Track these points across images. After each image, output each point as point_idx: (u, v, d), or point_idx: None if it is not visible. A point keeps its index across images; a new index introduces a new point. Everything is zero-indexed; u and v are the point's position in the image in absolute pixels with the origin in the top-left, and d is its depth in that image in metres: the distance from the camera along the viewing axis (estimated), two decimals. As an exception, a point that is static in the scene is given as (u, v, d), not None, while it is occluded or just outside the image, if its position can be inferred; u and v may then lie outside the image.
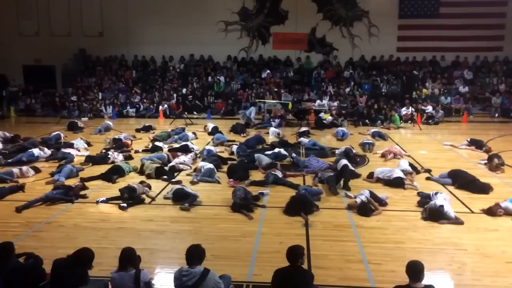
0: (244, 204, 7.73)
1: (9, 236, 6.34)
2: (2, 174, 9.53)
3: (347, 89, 20.59)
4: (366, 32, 22.18)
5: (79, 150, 12.08)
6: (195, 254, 4.56)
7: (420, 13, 21.89)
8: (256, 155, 10.91)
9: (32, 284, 4.62)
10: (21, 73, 22.94)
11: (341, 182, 9.06)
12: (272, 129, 15.18)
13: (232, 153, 12.02)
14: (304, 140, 13.49)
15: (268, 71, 21.82)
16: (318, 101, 18.88)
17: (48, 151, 11.61)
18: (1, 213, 7.64)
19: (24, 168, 9.96)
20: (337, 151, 11.91)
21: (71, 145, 12.40)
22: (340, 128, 15.26)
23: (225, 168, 10.36)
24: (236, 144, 12.68)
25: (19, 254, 5.15)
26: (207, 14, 21.83)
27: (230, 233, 6.82)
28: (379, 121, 17.31)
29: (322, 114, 17.34)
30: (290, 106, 18.28)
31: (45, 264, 5.03)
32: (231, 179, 9.45)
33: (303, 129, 15.31)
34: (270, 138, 14.31)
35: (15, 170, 9.78)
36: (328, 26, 22.19)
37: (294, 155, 11.18)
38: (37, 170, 10.12)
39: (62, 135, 13.85)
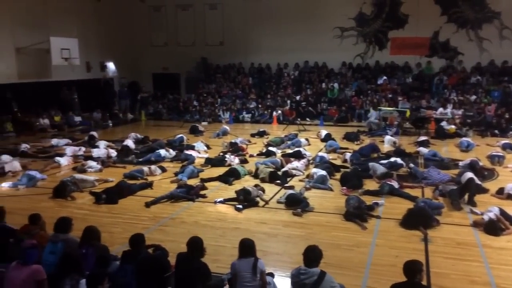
0: (357, 213, 7.55)
1: (139, 228, 6.96)
2: (134, 172, 10.55)
3: (473, 97, 18.97)
4: (496, 35, 20.21)
5: (199, 152, 12.85)
6: (313, 255, 4.61)
7: None
8: (370, 163, 10.61)
9: (158, 274, 5.03)
10: (151, 80, 25.22)
11: (466, 197, 8.40)
12: (387, 138, 14.61)
13: (345, 160, 11.84)
14: (423, 150, 12.75)
15: (385, 77, 21.02)
16: (440, 109, 17.67)
17: (173, 152, 12.58)
18: (132, 207, 8.45)
19: (153, 167, 10.90)
20: (461, 163, 11.05)
21: (192, 147, 13.28)
22: (464, 139, 14.15)
23: (337, 175, 10.25)
24: (350, 152, 12.44)
25: (148, 245, 5.62)
26: (323, 21, 21.78)
27: (343, 242, 6.71)
28: (511, 132, 15.69)
29: (444, 123, 16.24)
30: (408, 114, 17.42)
31: (169, 256, 5.43)
32: (344, 187, 9.30)
33: (422, 138, 14.49)
34: (386, 147, 13.80)
35: (145, 168, 10.74)
36: (453, 29, 20.69)
37: (412, 165, 10.62)
38: (163, 169, 11.00)
39: (185, 137, 14.88)
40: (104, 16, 22.35)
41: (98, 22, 21.97)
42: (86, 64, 21.35)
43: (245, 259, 4.77)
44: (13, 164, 11.15)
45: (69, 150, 13.00)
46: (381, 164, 10.59)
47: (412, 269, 4.40)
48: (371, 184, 9.66)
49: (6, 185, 9.87)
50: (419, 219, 7.15)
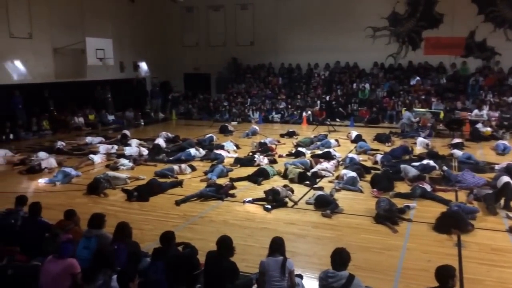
0: (388, 216, 7.42)
1: (169, 226, 7.08)
2: (165, 170, 10.70)
3: (510, 98, 18.33)
4: (536, 35, 19.54)
5: (229, 152, 12.91)
6: (341, 258, 4.56)
7: None
8: (402, 165, 10.40)
9: (188, 271, 5.09)
10: (182, 80, 25.55)
11: (501, 201, 8.13)
12: (420, 139, 14.30)
13: (376, 162, 11.66)
14: (457, 152, 12.42)
15: (418, 77, 20.59)
16: (475, 111, 17.18)
17: (202, 151, 12.70)
18: (163, 205, 8.57)
19: (183, 165, 11.03)
20: (497, 167, 10.73)
21: (222, 147, 13.34)
22: (501, 141, 13.69)
23: (368, 177, 10.09)
24: (381, 154, 12.26)
25: (178, 243, 5.69)
26: (354, 21, 21.52)
27: (373, 245, 6.61)
28: (551, 135, 15.12)
29: (480, 125, 15.77)
30: (441, 115, 17.01)
31: (198, 254, 5.48)
32: (375, 189, 9.16)
33: (456, 140, 14.12)
34: (418, 149, 13.49)
35: (175, 167, 10.88)
36: (490, 28, 20.05)
37: (445, 168, 10.36)
38: (193, 168, 11.11)
39: (214, 137, 15.02)
40: (137, 17, 22.81)
41: (131, 23, 22.43)
42: (120, 64, 21.80)
43: (274, 258, 4.77)
44: (49, 161, 11.51)
45: (103, 148, 13.32)
46: (413, 166, 10.37)
47: (445, 274, 4.29)
48: (402, 187, 9.48)
49: (43, 181, 10.21)
50: (453, 223, 6.97)
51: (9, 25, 16.47)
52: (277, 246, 4.88)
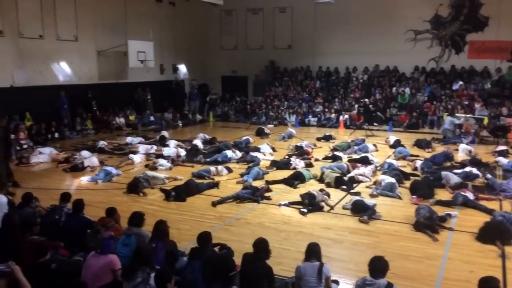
0: (428, 224, 7.21)
1: (205, 227, 7.12)
2: (202, 171, 10.82)
3: (561, 105, 17.52)
4: None
5: (265, 155, 12.94)
6: (379, 265, 4.48)
7: None
8: (443, 172, 10.10)
9: (223, 272, 5.13)
10: (219, 83, 25.82)
11: (550, 213, 7.75)
12: (462, 146, 13.84)
13: (415, 168, 11.37)
14: (502, 160, 11.96)
15: (461, 82, 19.92)
16: (521, 117, 16.54)
17: (239, 154, 12.76)
18: (199, 206, 8.68)
19: (219, 167, 11.12)
20: (544, 176, 10.25)
21: (258, 149, 13.38)
22: (549, 150, 13.10)
23: (407, 183, 9.85)
24: (421, 160, 11.96)
25: (215, 243, 5.73)
26: (395, 24, 21.11)
27: (412, 253, 6.44)
28: None
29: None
30: (485, 121, 16.42)
31: (234, 256, 5.50)
32: (414, 196, 8.93)
33: (501, 147, 13.58)
34: (460, 156, 13.06)
35: (212, 168, 11.00)
36: (540, 32, 19.25)
37: (489, 176, 9.99)
38: (229, 170, 11.17)
39: (251, 139, 15.07)
40: (178, 20, 23.26)
41: (172, 26, 22.90)
42: (160, 66, 22.26)
43: (310, 263, 4.74)
44: (92, 160, 11.89)
45: (142, 148, 13.62)
46: (455, 173, 10.06)
47: (488, 286, 4.13)
48: (443, 194, 9.19)
49: (85, 179, 10.55)
50: (497, 233, 6.71)
51: (56, 28, 17.16)
52: (313, 251, 4.86)
